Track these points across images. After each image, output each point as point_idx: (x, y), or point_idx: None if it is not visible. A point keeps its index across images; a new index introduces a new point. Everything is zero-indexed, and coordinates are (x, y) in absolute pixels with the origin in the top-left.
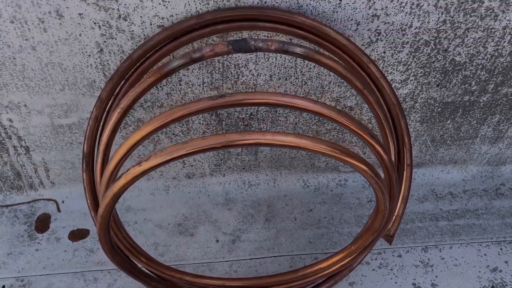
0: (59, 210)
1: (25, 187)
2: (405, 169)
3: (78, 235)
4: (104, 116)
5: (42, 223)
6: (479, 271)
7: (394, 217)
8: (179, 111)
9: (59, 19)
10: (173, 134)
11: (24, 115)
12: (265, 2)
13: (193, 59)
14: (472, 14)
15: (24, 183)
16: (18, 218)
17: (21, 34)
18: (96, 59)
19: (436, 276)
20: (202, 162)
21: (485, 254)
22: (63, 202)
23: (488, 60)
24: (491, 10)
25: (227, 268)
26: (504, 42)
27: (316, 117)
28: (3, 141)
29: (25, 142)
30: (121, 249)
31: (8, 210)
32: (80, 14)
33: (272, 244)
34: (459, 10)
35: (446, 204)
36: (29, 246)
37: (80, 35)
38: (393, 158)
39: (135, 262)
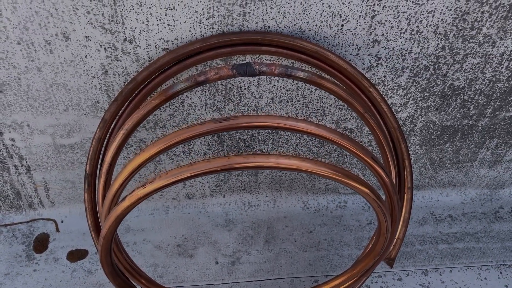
0: (58, 230)
1: (24, 207)
2: (405, 192)
3: (76, 255)
4: (107, 137)
5: (41, 243)
6: None
7: (395, 240)
8: (184, 133)
9: (66, 41)
10: (175, 154)
11: (26, 134)
12: (268, 27)
13: (198, 82)
14: (470, 41)
15: (23, 202)
16: (16, 238)
17: (27, 56)
18: (101, 80)
19: None
20: (203, 183)
21: (485, 278)
22: (62, 222)
23: (486, 85)
24: (489, 37)
25: None
26: (502, 68)
27: (316, 139)
28: (4, 160)
29: (26, 162)
30: (121, 271)
31: (6, 230)
32: (86, 36)
33: (272, 266)
34: (457, 36)
35: (446, 227)
36: (27, 266)
37: (85, 57)
38: (394, 181)
39: (136, 285)
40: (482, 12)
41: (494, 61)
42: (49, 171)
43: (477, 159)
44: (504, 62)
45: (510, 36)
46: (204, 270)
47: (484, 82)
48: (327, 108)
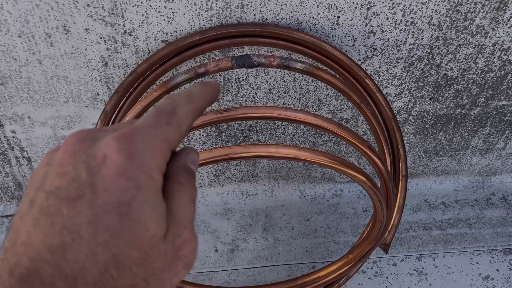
0: None
1: None
2: (400, 179)
3: None
4: None
5: None
6: (472, 279)
7: (390, 226)
8: None
9: (66, 34)
10: None
11: (27, 126)
12: (266, 19)
13: (198, 74)
14: (463, 31)
15: None
16: None
17: (28, 48)
18: (101, 72)
19: (430, 284)
20: (201, 173)
21: (477, 263)
22: None
23: (479, 75)
24: (481, 28)
25: (226, 277)
26: (494, 58)
27: (313, 129)
28: (5, 152)
29: (27, 153)
30: None
31: (8, 221)
32: (86, 29)
33: (270, 254)
34: (451, 27)
35: (439, 214)
36: None
37: (86, 49)
38: (389, 169)
39: None
40: (475, 3)
41: (486, 51)
42: None
43: (470, 147)
44: (496, 52)
45: (502, 26)
46: (204, 258)
47: (476, 72)
48: (324, 98)
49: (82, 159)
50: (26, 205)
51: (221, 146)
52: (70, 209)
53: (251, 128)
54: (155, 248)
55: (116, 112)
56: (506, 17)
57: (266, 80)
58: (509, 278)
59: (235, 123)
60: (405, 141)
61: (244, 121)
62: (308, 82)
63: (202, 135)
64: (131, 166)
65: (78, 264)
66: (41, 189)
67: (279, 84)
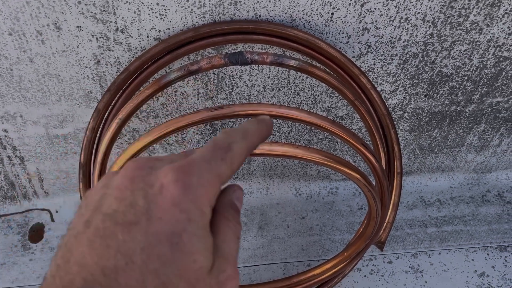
0: (52, 220)
1: (19, 197)
2: (395, 177)
3: None
4: (101, 127)
5: (36, 233)
6: (467, 276)
7: (385, 224)
8: (179, 122)
9: (57, 31)
10: (168, 144)
11: (19, 125)
12: (260, 16)
13: (190, 71)
14: (458, 28)
15: (17, 193)
16: (11, 228)
17: (19, 46)
18: (93, 70)
19: (426, 282)
20: None
21: (472, 260)
22: (56, 211)
23: (474, 71)
24: (476, 24)
25: None
26: (489, 54)
27: (307, 127)
28: None
29: (19, 152)
30: None
31: (1, 221)
32: (78, 26)
33: (266, 252)
34: (445, 24)
35: (435, 211)
36: (23, 256)
37: (77, 47)
38: (383, 167)
39: None
40: (469, 0)
41: (481, 48)
42: (43, 162)
43: (465, 144)
44: (491, 49)
45: (497, 23)
46: None
47: (471, 69)
48: (318, 96)
49: (140, 186)
50: (81, 225)
51: None
52: (125, 233)
53: None
54: (201, 281)
55: (108, 111)
56: (501, 14)
57: (260, 78)
58: (505, 275)
59: (229, 121)
60: (400, 139)
61: (238, 119)
62: (303, 79)
63: (197, 133)
64: (185, 198)
65: None
66: (98, 211)
67: (274, 81)
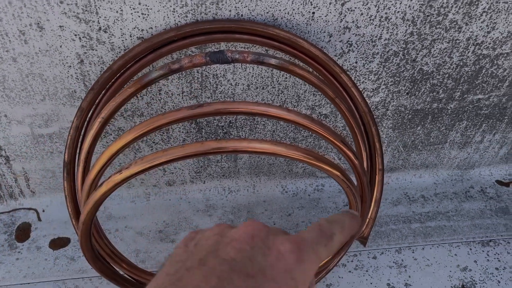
0: (39, 219)
1: (5, 197)
2: (377, 173)
3: (58, 243)
4: (85, 126)
5: (23, 232)
6: (450, 271)
7: (368, 219)
8: (159, 120)
9: (40, 31)
10: (154, 142)
11: (4, 125)
12: (242, 15)
13: (172, 70)
14: (437, 26)
15: (4, 192)
16: None
17: (2, 46)
18: (77, 69)
19: (410, 276)
20: (183, 170)
21: (455, 254)
22: (43, 211)
23: (454, 69)
24: (455, 23)
25: None
26: (468, 52)
27: (292, 125)
28: None
29: (5, 152)
30: (102, 256)
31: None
32: (60, 26)
33: None
34: (425, 22)
35: (419, 207)
36: (10, 255)
37: (60, 46)
38: (365, 163)
39: (117, 269)
40: None
41: (460, 46)
42: (29, 161)
43: (448, 141)
44: (470, 47)
45: (475, 21)
46: None
47: (451, 67)
48: (302, 94)
49: (259, 245)
50: (194, 261)
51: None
52: (241, 281)
53: (231, 124)
54: None
55: (92, 109)
56: (479, 12)
57: (244, 76)
58: (487, 269)
59: (215, 119)
60: (384, 136)
61: (223, 118)
62: (286, 78)
63: (182, 132)
64: (297, 269)
65: None
66: (214, 254)
67: (257, 80)
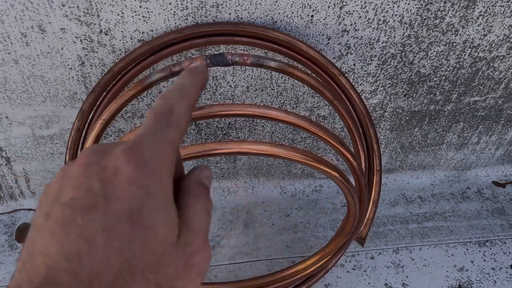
0: None
1: (5, 198)
2: (375, 174)
3: None
4: (86, 127)
5: (23, 233)
6: (447, 271)
7: (366, 220)
8: None
9: (42, 33)
10: None
11: (5, 126)
12: (241, 18)
13: (173, 72)
14: (434, 29)
15: (4, 193)
16: None
17: (4, 48)
18: (78, 71)
19: (407, 276)
20: None
21: (452, 255)
22: None
23: (451, 71)
24: (451, 26)
25: (207, 273)
26: (465, 55)
27: (291, 127)
28: None
29: (6, 153)
30: None
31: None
32: (62, 29)
33: (251, 249)
34: (422, 25)
35: (416, 208)
36: (10, 255)
37: (62, 48)
38: (363, 164)
39: None
40: (445, 2)
41: (457, 49)
42: (29, 162)
43: (445, 143)
44: (467, 50)
45: (472, 24)
46: None
47: (448, 69)
48: (301, 96)
49: (94, 171)
50: (41, 218)
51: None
52: (85, 218)
53: (230, 126)
54: (167, 253)
55: (93, 111)
56: (475, 15)
57: (244, 78)
58: (483, 269)
59: (214, 121)
60: (381, 137)
61: (223, 119)
62: (285, 80)
63: None
64: (141, 174)
65: (94, 270)
66: (56, 202)
67: (257, 82)
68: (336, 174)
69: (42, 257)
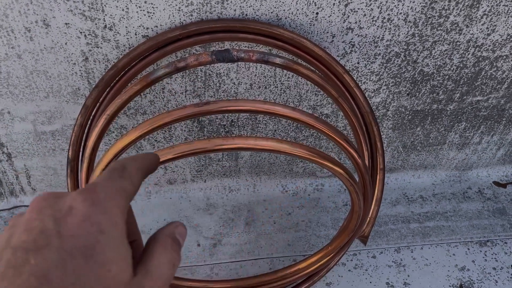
0: None
1: (6, 194)
2: (378, 172)
3: None
4: (89, 123)
5: None
6: (448, 270)
7: (369, 218)
8: (165, 118)
9: (46, 28)
10: (156, 140)
11: (7, 121)
12: (246, 15)
13: (178, 68)
14: (438, 28)
15: (5, 189)
16: None
17: (7, 43)
18: (81, 67)
19: (408, 276)
20: (184, 168)
21: (453, 254)
22: None
23: (454, 71)
24: (456, 25)
25: (208, 271)
26: (468, 54)
27: (294, 124)
28: None
29: (7, 149)
30: None
31: None
32: (66, 23)
33: (252, 247)
34: (426, 24)
35: (417, 207)
36: None
37: (66, 44)
38: (366, 163)
39: None
40: (449, 0)
41: (461, 48)
42: (30, 158)
43: (447, 142)
44: (471, 49)
45: (476, 24)
46: (187, 253)
47: (452, 68)
48: (304, 93)
49: (48, 213)
50: None
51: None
52: (37, 257)
53: (233, 123)
54: None
55: (96, 107)
56: (479, 15)
57: (247, 75)
58: (485, 269)
59: (217, 118)
60: (384, 136)
61: (225, 116)
62: (289, 77)
63: (184, 131)
64: (95, 212)
65: None
66: (7, 247)
67: (260, 79)
68: (342, 171)
69: None
